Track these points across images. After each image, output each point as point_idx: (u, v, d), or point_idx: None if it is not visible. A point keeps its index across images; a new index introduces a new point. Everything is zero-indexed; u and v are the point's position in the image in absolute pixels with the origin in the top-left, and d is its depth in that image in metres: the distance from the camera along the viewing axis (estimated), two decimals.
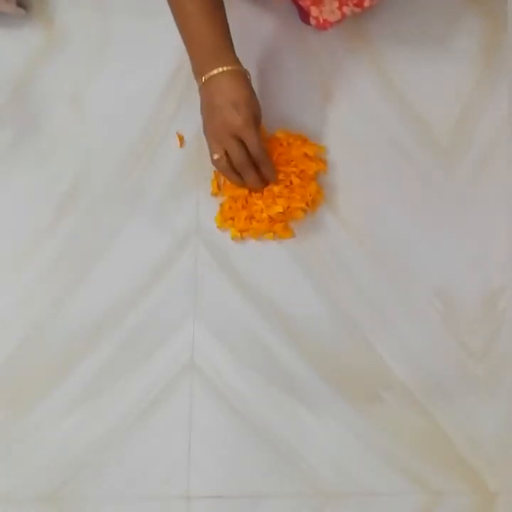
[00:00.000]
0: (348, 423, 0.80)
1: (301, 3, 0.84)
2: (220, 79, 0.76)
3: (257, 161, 0.78)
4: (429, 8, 0.91)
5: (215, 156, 0.78)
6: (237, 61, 0.77)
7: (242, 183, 0.80)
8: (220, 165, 0.78)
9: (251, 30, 0.85)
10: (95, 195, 0.86)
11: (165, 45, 0.88)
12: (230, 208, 0.83)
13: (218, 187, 0.85)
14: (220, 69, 0.75)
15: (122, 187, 0.86)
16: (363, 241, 0.85)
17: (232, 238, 0.84)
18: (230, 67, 0.76)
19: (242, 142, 0.76)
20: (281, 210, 0.81)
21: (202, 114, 0.79)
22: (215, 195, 0.85)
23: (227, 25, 0.77)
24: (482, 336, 0.83)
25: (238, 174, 0.79)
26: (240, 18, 0.83)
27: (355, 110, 0.88)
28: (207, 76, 0.76)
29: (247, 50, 0.88)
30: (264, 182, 0.81)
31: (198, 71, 0.78)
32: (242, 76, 0.77)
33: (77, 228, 0.85)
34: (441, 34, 0.90)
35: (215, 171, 0.85)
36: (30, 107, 0.88)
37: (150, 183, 0.86)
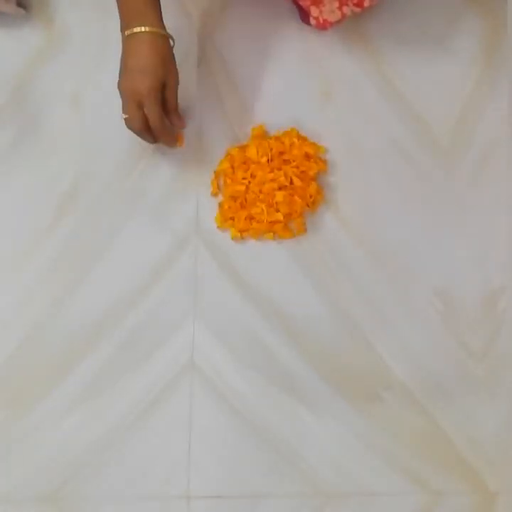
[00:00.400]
0: (348, 423, 0.80)
1: (301, 3, 0.84)
2: (138, 39, 0.75)
3: (156, 131, 0.78)
4: (429, 8, 0.91)
5: (124, 116, 0.78)
6: (160, 24, 0.76)
7: (151, 140, 0.80)
8: (126, 124, 0.78)
9: (251, 30, 0.85)
10: (95, 195, 0.86)
11: None
12: (230, 207, 0.83)
13: (218, 187, 0.85)
14: (142, 28, 0.75)
15: (122, 187, 0.86)
16: (363, 241, 0.85)
17: (232, 238, 0.84)
18: (152, 29, 0.75)
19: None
20: (281, 219, 0.82)
21: (120, 68, 0.78)
22: (214, 195, 0.85)
23: None
24: (482, 336, 0.83)
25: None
26: (239, 18, 0.83)
27: (355, 110, 0.88)
28: (129, 31, 0.75)
29: (248, 50, 0.89)
30: (170, 142, 0.81)
31: (122, 25, 0.77)
32: (161, 39, 0.76)
33: (77, 228, 0.85)
34: (441, 34, 0.90)
35: (215, 171, 0.85)
36: (30, 107, 0.88)
37: (150, 183, 0.86)
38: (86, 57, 0.89)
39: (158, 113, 0.77)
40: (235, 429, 0.80)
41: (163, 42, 0.76)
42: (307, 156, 0.84)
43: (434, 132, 0.88)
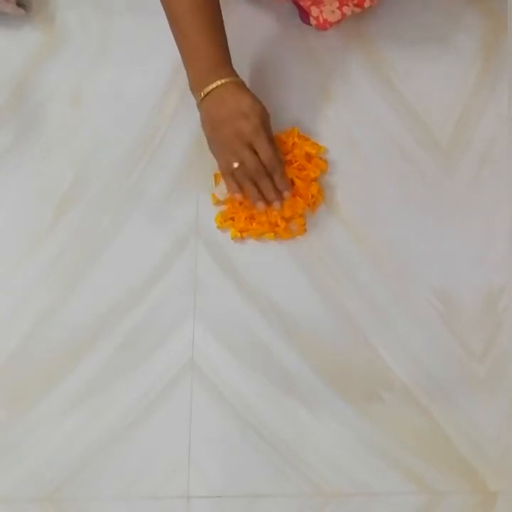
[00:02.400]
0: (348, 423, 0.80)
1: (301, 3, 0.84)
2: (221, 91, 0.76)
3: (270, 168, 0.78)
4: (429, 8, 0.91)
5: (235, 165, 0.77)
6: (234, 73, 0.77)
7: (257, 194, 0.79)
8: (238, 174, 0.78)
9: (251, 30, 0.85)
10: (95, 195, 0.86)
11: (165, 45, 0.88)
12: (230, 207, 0.83)
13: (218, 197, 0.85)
14: (219, 82, 0.75)
15: (122, 187, 0.86)
16: (363, 241, 0.85)
17: (232, 238, 0.84)
18: (228, 79, 0.76)
19: (255, 151, 0.76)
20: (284, 224, 0.82)
21: (205, 129, 0.79)
22: (216, 204, 0.85)
23: (225, 35, 0.77)
24: (482, 336, 0.83)
25: (254, 184, 0.79)
26: (239, 18, 0.83)
27: (355, 110, 0.88)
28: (206, 89, 0.76)
29: (248, 51, 0.89)
30: (278, 192, 0.80)
31: (195, 86, 0.77)
32: (242, 85, 0.77)
33: (77, 228, 0.85)
34: (441, 34, 0.90)
35: (214, 178, 0.85)
36: (30, 106, 0.88)
37: (150, 183, 0.86)
38: (86, 57, 0.89)
39: (271, 148, 0.77)
40: (235, 429, 0.80)
41: (244, 86, 0.77)
42: (308, 156, 0.84)
43: (434, 132, 0.88)
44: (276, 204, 0.80)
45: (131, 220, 0.85)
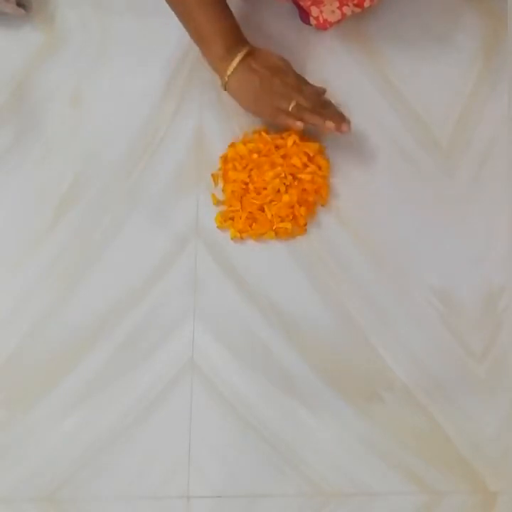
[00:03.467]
0: (348, 423, 0.80)
1: (301, 3, 0.84)
2: (245, 61, 0.80)
3: (322, 104, 0.83)
4: (429, 8, 0.91)
5: (293, 104, 0.79)
6: (247, 41, 0.82)
7: (321, 118, 0.80)
8: (295, 111, 0.80)
9: (251, 31, 0.85)
10: (95, 195, 0.86)
11: (165, 45, 0.88)
12: (230, 207, 0.83)
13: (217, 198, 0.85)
14: (240, 55, 0.80)
15: (122, 187, 0.86)
16: (363, 241, 0.85)
17: (232, 238, 0.84)
18: (246, 49, 0.80)
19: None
20: (289, 226, 0.82)
21: (243, 98, 0.82)
22: (216, 205, 0.85)
23: (230, 9, 0.81)
24: (482, 336, 0.83)
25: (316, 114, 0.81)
26: (239, 18, 0.83)
27: (355, 110, 0.87)
28: (232, 66, 0.80)
29: None
30: (336, 118, 0.81)
31: (219, 67, 0.81)
32: (258, 48, 0.82)
33: (77, 228, 0.85)
34: (442, 34, 0.90)
35: (212, 177, 0.85)
36: (30, 106, 0.88)
37: (150, 183, 0.86)
38: (86, 57, 0.89)
39: (314, 86, 0.84)
40: (235, 429, 0.80)
41: (260, 50, 0.82)
42: (309, 157, 0.84)
43: (434, 132, 0.87)
44: (344, 126, 0.80)
45: (131, 220, 0.85)
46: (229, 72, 0.80)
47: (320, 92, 0.84)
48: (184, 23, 0.81)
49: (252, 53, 0.81)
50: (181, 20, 0.81)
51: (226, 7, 0.81)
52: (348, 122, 0.81)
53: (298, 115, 0.80)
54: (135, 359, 0.81)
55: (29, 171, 0.86)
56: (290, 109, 0.80)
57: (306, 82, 0.83)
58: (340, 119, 0.81)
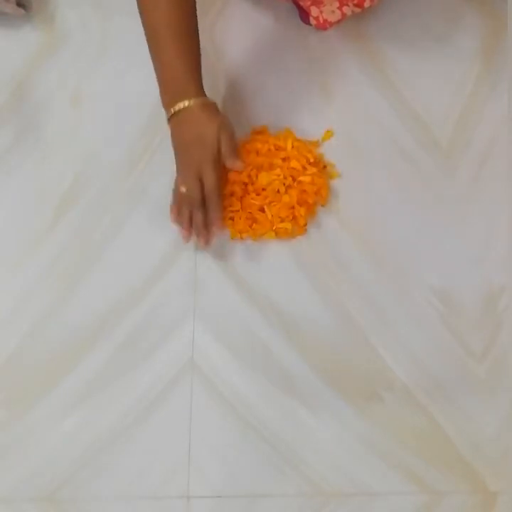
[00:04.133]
0: (348, 423, 0.80)
1: (301, 3, 0.84)
2: (186, 113, 0.76)
3: (208, 198, 0.78)
4: (429, 8, 0.91)
5: (183, 189, 0.78)
6: (203, 93, 0.78)
7: (187, 222, 0.79)
8: (183, 198, 0.78)
9: (251, 30, 0.85)
10: (95, 195, 0.86)
11: None
12: (230, 207, 0.83)
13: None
14: (186, 103, 0.76)
15: (122, 187, 0.86)
16: (363, 241, 0.85)
17: (232, 238, 0.84)
18: (195, 100, 0.76)
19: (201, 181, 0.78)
20: (289, 227, 0.82)
21: (172, 145, 0.79)
22: None
23: (199, 53, 0.78)
24: (482, 336, 0.83)
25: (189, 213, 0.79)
26: (240, 18, 0.83)
27: (355, 110, 0.88)
28: (175, 109, 0.76)
29: (248, 50, 0.89)
30: (207, 226, 0.80)
31: (165, 103, 0.78)
32: (209, 106, 0.77)
33: (77, 228, 0.85)
34: (442, 34, 0.90)
35: None
36: (30, 106, 0.88)
37: (150, 183, 0.86)
38: (86, 57, 0.89)
39: (215, 180, 0.77)
40: (235, 429, 0.80)
41: (212, 106, 0.77)
42: (308, 161, 0.84)
43: (434, 132, 0.88)
44: (199, 240, 0.81)
45: (131, 220, 0.85)
46: (172, 112, 0.77)
47: (216, 181, 0.78)
48: (150, 47, 0.77)
49: (198, 107, 0.76)
50: (149, 41, 0.77)
51: (197, 47, 0.78)
52: (215, 229, 0.80)
53: (181, 204, 0.79)
54: (135, 359, 0.81)
55: (29, 171, 0.86)
56: (183, 191, 0.78)
57: (211, 168, 0.77)
58: (204, 228, 0.79)
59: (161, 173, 0.86)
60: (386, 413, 0.81)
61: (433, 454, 0.80)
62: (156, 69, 0.78)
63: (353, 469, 0.80)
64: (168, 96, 0.77)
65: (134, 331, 0.82)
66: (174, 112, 0.76)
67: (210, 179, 0.77)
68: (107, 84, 0.89)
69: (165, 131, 0.87)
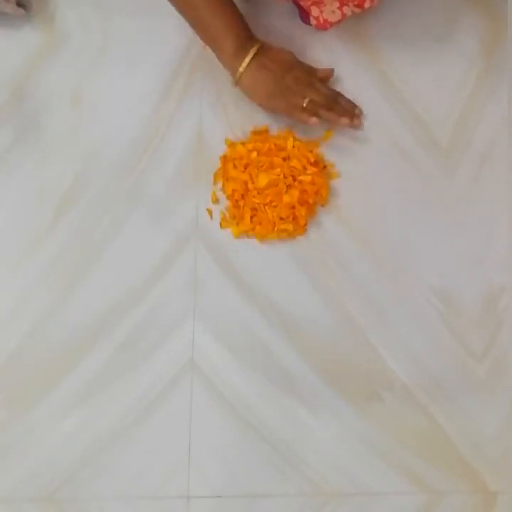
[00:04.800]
0: (348, 423, 0.80)
1: (301, 3, 0.84)
2: (257, 57, 0.80)
3: (334, 96, 0.84)
4: (429, 8, 0.91)
5: (306, 101, 0.81)
6: (256, 38, 0.82)
7: (335, 114, 0.82)
8: (310, 107, 0.81)
9: (251, 30, 0.85)
10: (95, 195, 0.86)
11: (165, 45, 0.88)
12: (234, 207, 0.83)
13: (217, 196, 0.85)
14: (252, 52, 0.80)
15: (122, 187, 0.86)
16: (363, 241, 0.85)
17: (235, 236, 0.84)
18: (257, 45, 0.81)
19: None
20: (290, 228, 0.82)
21: (256, 94, 0.82)
22: (215, 202, 0.85)
23: (237, 7, 0.81)
24: (482, 336, 0.83)
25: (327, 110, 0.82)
26: None
27: None
28: (244, 63, 0.80)
29: None
30: (349, 112, 0.84)
31: (230, 64, 0.82)
32: (268, 44, 0.82)
33: (77, 228, 0.85)
34: (442, 34, 0.90)
35: (214, 178, 0.85)
36: (30, 107, 0.88)
37: (150, 183, 0.86)
38: (86, 57, 0.89)
39: (326, 86, 0.84)
40: (235, 429, 0.80)
41: (270, 46, 0.83)
42: (309, 161, 0.84)
43: (434, 132, 0.87)
44: (356, 121, 0.84)
45: (131, 220, 0.85)
46: (241, 69, 0.80)
47: (328, 86, 0.85)
48: (192, 24, 0.81)
49: (263, 49, 0.81)
50: (189, 21, 0.81)
51: (232, 4, 0.81)
52: (360, 113, 0.85)
53: (312, 111, 0.81)
54: (135, 359, 0.81)
55: (29, 171, 0.86)
56: (305, 105, 0.81)
57: (317, 75, 0.84)
58: (352, 113, 0.84)
59: (161, 173, 0.86)
60: (386, 413, 0.81)
61: (433, 453, 0.80)
62: (204, 38, 0.82)
63: (353, 469, 0.80)
64: (230, 57, 0.81)
65: (134, 331, 0.82)
66: (247, 64, 0.80)
67: (321, 83, 0.83)
68: (107, 84, 0.89)
69: (165, 131, 0.87)
